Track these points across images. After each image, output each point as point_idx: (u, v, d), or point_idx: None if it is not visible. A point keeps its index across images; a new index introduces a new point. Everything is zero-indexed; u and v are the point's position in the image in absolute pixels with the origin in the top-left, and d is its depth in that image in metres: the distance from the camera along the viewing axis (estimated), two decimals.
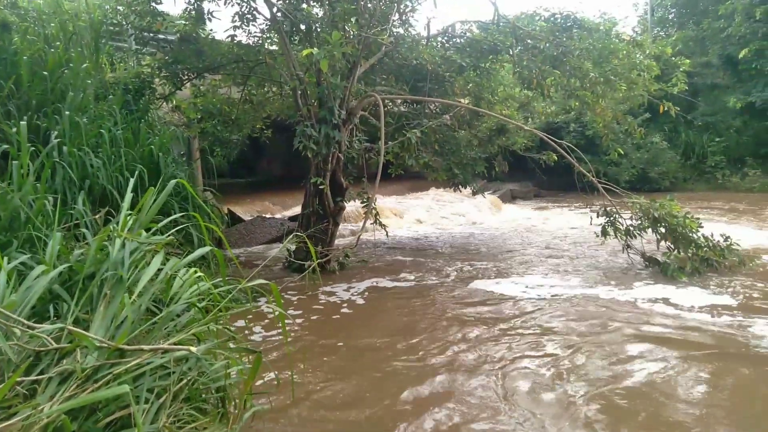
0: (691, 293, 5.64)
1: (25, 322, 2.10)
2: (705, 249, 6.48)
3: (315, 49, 5.25)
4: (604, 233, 7.17)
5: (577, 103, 9.14)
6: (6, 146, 4.21)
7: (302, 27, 7.09)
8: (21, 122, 4.12)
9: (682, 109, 9.54)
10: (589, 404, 3.22)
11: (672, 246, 6.63)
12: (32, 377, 1.95)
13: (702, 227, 6.57)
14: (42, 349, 2.05)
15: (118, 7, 7.65)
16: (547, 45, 7.76)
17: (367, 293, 6.08)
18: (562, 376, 3.63)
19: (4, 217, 3.31)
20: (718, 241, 6.62)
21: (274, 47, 8.16)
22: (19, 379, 1.88)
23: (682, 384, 3.49)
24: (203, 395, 2.49)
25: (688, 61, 8.86)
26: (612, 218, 7.13)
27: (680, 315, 4.93)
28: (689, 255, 6.47)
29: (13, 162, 3.78)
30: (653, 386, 3.45)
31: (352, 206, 8.02)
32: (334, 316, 5.30)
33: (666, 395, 3.33)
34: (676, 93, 8.68)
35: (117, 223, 2.82)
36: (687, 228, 6.46)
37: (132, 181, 3.25)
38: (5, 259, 2.49)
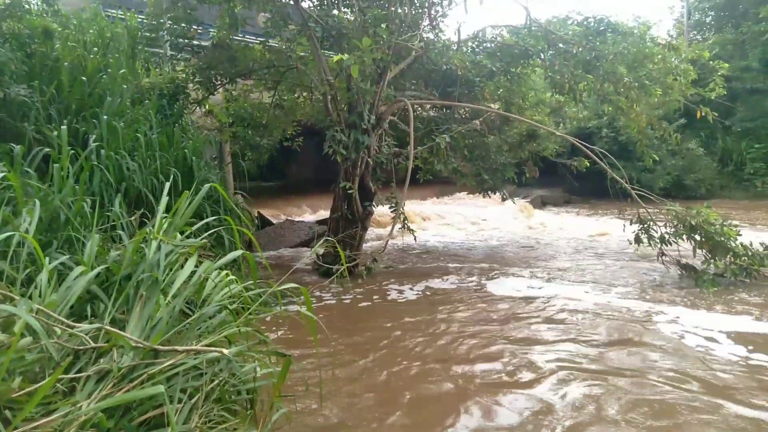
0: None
1: (65, 321, 2.16)
2: (744, 257, 6.29)
3: (345, 55, 5.28)
4: (638, 241, 7.02)
5: (610, 108, 8.98)
6: (47, 149, 4.35)
7: (333, 33, 7.14)
8: (62, 126, 4.25)
9: (720, 114, 9.26)
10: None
11: (709, 254, 6.45)
12: (71, 375, 2.01)
13: (740, 235, 6.38)
14: (81, 347, 2.10)
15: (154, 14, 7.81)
16: (580, 49, 7.64)
17: (395, 297, 6.07)
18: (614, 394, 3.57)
19: (45, 218, 3.41)
20: (757, 249, 6.42)
21: (305, 53, 8.25)
22: (59, 376, 1.93)
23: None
24: (233, 396, 2.52)
25: (726, 65, 8.58)
26: (646, 225, 6.97)
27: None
28: (727, 263, 6.29)
29: (54, 165, 3.90)
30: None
31: (378, 212, 8.03)
32: (362, 320, 5.31)
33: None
34: (714, 98, 8.43)
35: (153, 226, 2.89)
36: (725, 236, 6.28)
37: (167, 184, 3.32)
38: (46, 259, 2.57)
